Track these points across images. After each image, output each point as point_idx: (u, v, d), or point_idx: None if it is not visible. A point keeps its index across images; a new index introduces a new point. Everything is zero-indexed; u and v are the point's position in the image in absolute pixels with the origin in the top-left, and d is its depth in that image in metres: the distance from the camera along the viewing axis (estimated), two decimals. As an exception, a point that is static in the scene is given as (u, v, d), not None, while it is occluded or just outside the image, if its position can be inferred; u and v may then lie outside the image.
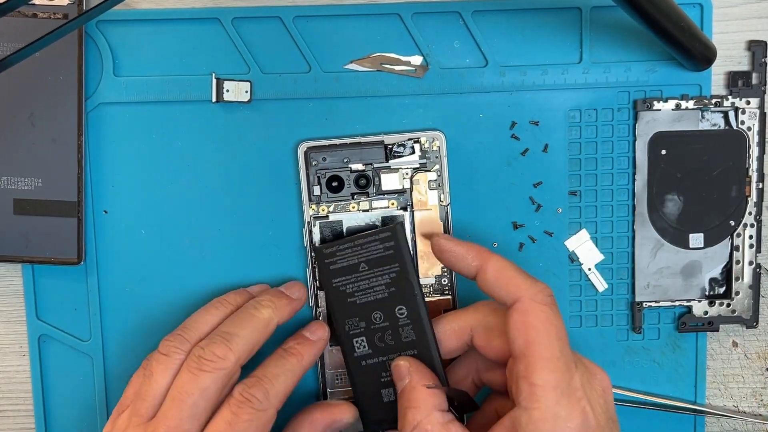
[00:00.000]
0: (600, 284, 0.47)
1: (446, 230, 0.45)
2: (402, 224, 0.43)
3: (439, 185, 0.45)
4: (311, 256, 0.45)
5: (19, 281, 0.46)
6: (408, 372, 0.41)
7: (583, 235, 0.46)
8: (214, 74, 0.44)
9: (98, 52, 0.44)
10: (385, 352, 0.42)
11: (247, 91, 0.45)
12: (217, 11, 0.44)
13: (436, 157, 0.45)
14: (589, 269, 0.46)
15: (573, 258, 0.46)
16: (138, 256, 0.46)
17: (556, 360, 0.37)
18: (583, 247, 0.46)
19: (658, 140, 0.46)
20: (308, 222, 0.45)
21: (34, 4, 0.43)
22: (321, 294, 0.45)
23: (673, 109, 0.46)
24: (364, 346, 0.43)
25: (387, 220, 0.45)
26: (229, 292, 0.44)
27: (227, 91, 0.44)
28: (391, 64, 0.45)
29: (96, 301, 0.46)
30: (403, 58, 0.45)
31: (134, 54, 0.45)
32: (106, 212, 0.45)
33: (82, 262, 0.45)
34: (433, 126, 0.45)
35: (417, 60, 0.45)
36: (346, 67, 0.45)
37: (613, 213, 0.46)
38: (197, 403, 0.39)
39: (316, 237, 0.45)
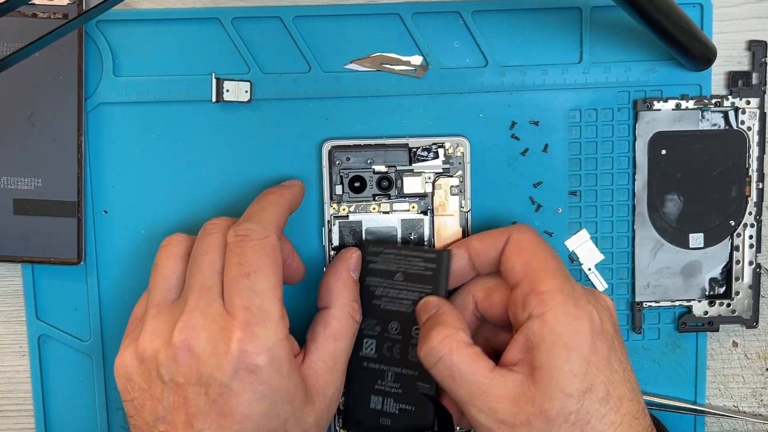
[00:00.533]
0: (600, 284, 0.47)
1: (465, 236, 0.44)
2: (451, 253, 0.43)
3: (460, 191, 0.45)
4: (329, 255, 0.45)
5: (19, 281, 0.46)
6: (438, 304, 0.41)
7: (583, 235, 0.46)
8: (214, 74, 0.44)
9: (98, 52, 0.44)
10: (389, 363, 0.43)
11: (247, 91, 0.45)
12: (217, 11, 0.44)
13: (460, 163, 0.45)
14: (589, 269, 0.46)
15: (573, 258, 0.46)
16: (138, 256, 0.46)
17: (556, 270, 0.38)
18: (583, 247, 0.46)
19: (658, 140, 0.46)
20: (328, 221, 0.45)
21: (34, 4, 0.43)
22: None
23: (673, 109, 0.46)
24: (372, 349, 0.43)
25: (407, 224, 0.45)
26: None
27: (227, 91, 0.44)
28: (391, 64, 0.45)
29: (96, 301, 0.46)
30: (403, 58, 0.45)
31: (134, 54, 0.45)
32: (105, 212, 0.45)
33: (81, 262, 0.45)
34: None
35: (417, 60, 0.45)
36: (346, 67, 0.45)
37: (613, 213, 0.46)
38: (215, 270, 0.39)
39: (335, 237, 0.45)
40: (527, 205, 0.46)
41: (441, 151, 0.45)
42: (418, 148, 0.45)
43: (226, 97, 0.44)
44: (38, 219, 0.44)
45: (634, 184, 0.46)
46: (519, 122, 0.46)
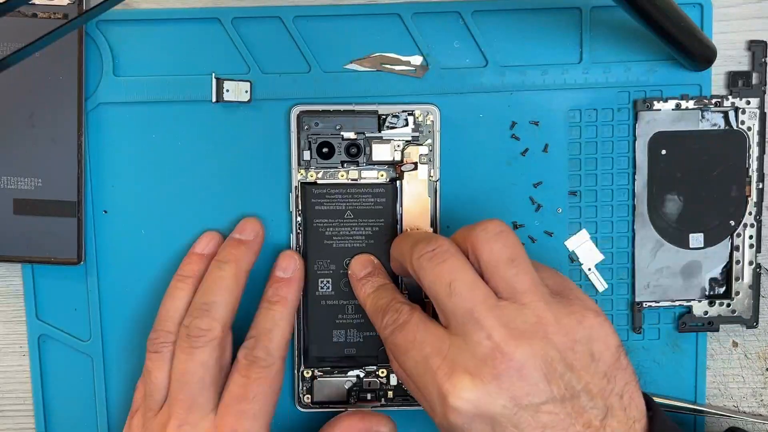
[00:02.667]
0: (600, 284, 0.47)
1: (434, 206, 0.45)
2: (397, 184, 0.44)
3: (430, 160, 0.45)
4: (296, 222, 0.45)
5: (19, 281, 0.46)
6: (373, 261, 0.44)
7: (583, 235, 0.46)
8: (214, 74, 0.44)
9: (98, 52, 0.44)
10: (348, 297, 0.45)
11: (247, 91, 0.45)
12: (217, 11, 0.44)
13: (429, 132, 0.45)
14: (589, 269, 0.46)
15: (573, 258, 0.46)
16: (138, 256, 0.46)
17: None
18: (583, 247, 0.46)
19: (658, 140, 0.46)
20: (296, 187, 0.44)
21: (34, 4, 0.43)
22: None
23: (673, 109, 0.46)
24: (328, 288, 0.45)
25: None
26: (182, 262, 0.44)
27: (227, 91, 0.44)
28: (391, 64, 0.45)
29: (96, 301, 0.46)
30: (403, 58, 0.45)
31: (134, 54, 0.45)
32: (105, 212, 0.45)
33: (81, 262, 0.45)
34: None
35: (417, 60, 0.45)
36: (346, 67, 0.45)
37: (613, 213, 0.46)
38: (202, 377, 0.41)
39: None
40: (527, 205, 0.46)
41: (411, 119, 0.44)
42: (387, 115, 0.44)
43: (226, 97, 0.44)
44: (38, 219, 0.44)
45: (634, 184, 0.46)
46: (519, 122, 0.46)
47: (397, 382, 0.46)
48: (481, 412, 0.35)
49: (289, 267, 0.44)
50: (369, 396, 0.46)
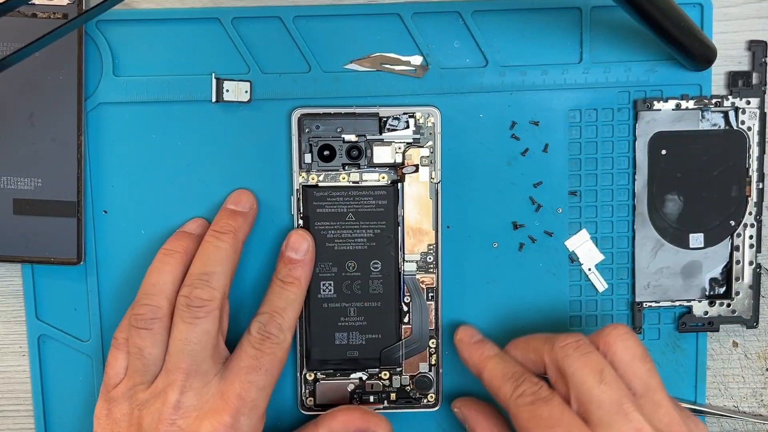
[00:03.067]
0: (600, 284, 0.47)
1: (435, 208, 0.45)
2: (398, 186, 0.44)
3: (431, 162, 0.45)
4: (298, 225, 0.45)
5: (19, 281, 0.46)
6: (465, 415, 0.45)
7: (583, 235, 0.46)
8: (214, 74, 0.44)
9: (98, 52, 0.44)
10: (350, 300, 0.45)
11: (247, 91, 0.45)
12: (217, 11, 0.44)
13: (430, 134, 0.45)
14: (589, 269, 0.46)
15: (573, 258, 0.46)
16: (138, 256, 0.46)
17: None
18: (583, 247, 0.46)
19: (658, 140, 0.46)
20: (297, 190, 0.44)
21: (34, 4, 0.43)
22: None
23: (673, 109, 0.46)
24: (330, 290, 0.45)
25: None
26: (168, 240, 0.44)
27: (227, 91, 0.44)
28: (391, 64, 0.45)
29: (96, 301, 0.46)
30: (403, 58, 0.45)
31: (134, 54, 0.45)
32: (105, 212, 0.45)
33: (81, 262, 0.45)
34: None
35: (417, 60, 0.45)
36: (346, 67, 0.45)
37: (613, 213, 0.46)
38: (206, 345, 0.41)
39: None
40: (527, 205, 0.46)
41: (411, 121, 0.44)
42: (388, 117, 0.44)
43: (226, 97, 0.44)
44: (38, 219, 0.44)
45: (634, 184, 0.46)
46: (519, 122, 0.46)
47: (400, 384, 0.46)
48: None
49: (302, 248, 0.44)
50: (372, 398, 0.46)
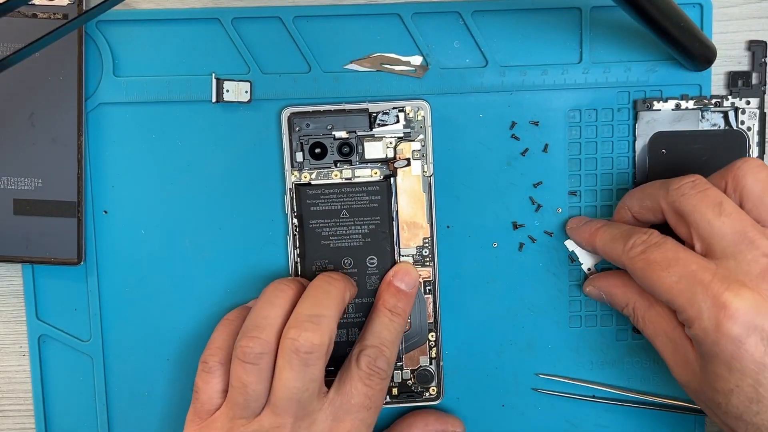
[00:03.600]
0: (600, 284, 0.47)
1: (429, 201, 0.45)
2: (391, 181, 0.44)
3: (422, 155, 0.45)
4: (293, 224, 0.45)
5: (19, 281, 0.46)
6: (599, 289, 0.44)
7: (583, 235, 0.46)
8: (214, 74, 0.44)
9: (98, 52, 0.45)
10: None
11: (247, 91, 0.45)
12: (217, 11, 0.44)
13: (421, 127, 0.45)
14: (589, 269, 0.46)
15: (573, 258, 0.46)
16: (138, 256, 0.46)
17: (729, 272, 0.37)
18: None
19: (658, 140, 0.46)
20: (289, 189, 0.44)
21: (34, 4, 0.43)
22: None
23: (673, 109, 0.46)
24: None
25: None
26: (278, 280, 0.43)
27: (227, 91, 0.44)
28: (391, 64, 0.45)
29: (96, 301, 0.46)
30: (403, 58, 0.45)
31: (134, 54, 0.45)
32: (106, 212, 0.45)
33: (82, 263, 0.45)
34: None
35: (417, 60, 0.45)
36: (346, 67, 0.45)
37: (614, 213, 0.46)
38: (313, 391, 0.40)
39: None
40: (527, 205, 0.46)
41: (401, 115, 0.44)
42: (378, 112, 0.44)
43: (226, 97, 0.44)
44: (38, 219, 0.44)
45: (634, 184, 0.46)
46: (519, 122, 0.46)
47: (402, 379, 0.46)
48: (759, 325, 0.35)
49: (411, 281, 0.44)
50: None
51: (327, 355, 0.40)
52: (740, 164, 0.39)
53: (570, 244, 0.46)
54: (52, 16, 0.43)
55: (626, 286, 0.42)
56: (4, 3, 0.35)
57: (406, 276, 0.44)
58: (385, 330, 0.42)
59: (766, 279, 0.36)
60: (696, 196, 0.38)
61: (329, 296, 0.41)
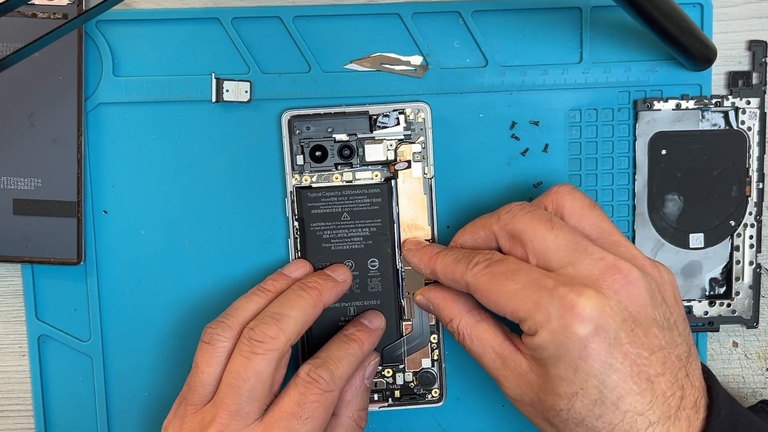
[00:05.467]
0: (600, 284, 0.47)
1: (430, 203, 0.45)
2: (392, 183, 0.44)
3: (423, 157, 0.45)
4: (294, 227, 0.45)
5: (19, 281, 0.46)
6: (428, 299, 0.43)
7: (583, 235, 0.46)
8: (214, 74, 0.44)
9: (98, 52, 0.44)
10: (349, 299, 0.45)
11: (247, 91, 0.45)
12: (217, 11, 0.44)
13: (421, 129, 0.45)
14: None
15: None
16: (138, 256, 0.46)
17: (539, 282, 0.38)
18: (583, 247, 0.46)
19: (658, 140, 0.46)
20: (291, 192, 0.44)
21: (33, 4, 0.43)
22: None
23: (673, 109, 0.46)
24: None
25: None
26: (267, 277, 0.44)
27: (227, 91, 0.44)
28: (391, 64, 0.45)
29: (96, 301, 0.46)
30: (403, 58, 0.45)
31: (134, 54, 0.45)
32: (105, 212, 0.45)
33: (81, 263, 0.45)
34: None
35: (417, 60, 0.45)
36: (346, 67, 0.45)
37: (614, 213, 0.46)
38: (254, 386, 0.39)
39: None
40: (527, 205, 0.46)
41: (402, 118, 0.44)
42: (378, 115, 0.44)
43: (226, 97, 0.44)
44: (38, 219, 0.44)
45: (634, 184, 0.46)
46: (519, 122, 0.46)
47: (404, 381, 0.46)
48: (603, 325, 0.36)
49: (375, 322, 0.44)
50: (375, 396, 0.46)
51: (279, 355, 0.40)
52: (557, 188, 0.41)
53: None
54: (51, 16, 0.43)
55: (454, 302, 0.42)
56: (4, 3, 0.35)
57: (374, 317, 0.44)
58: (336, 349, 0.42)
59: (607, 280, 0.37)
60: (527, 215, 0.39)
61: (298, 300, 0.41)
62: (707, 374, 0.40)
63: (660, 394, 0.36)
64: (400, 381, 0.46)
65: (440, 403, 0.46)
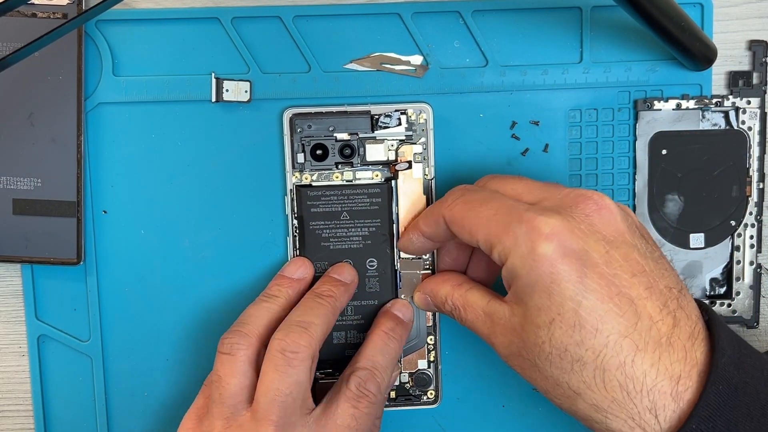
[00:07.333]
0: (600, 284, 0.46)
1: (429, 204, 0.45)
2: (392, 183, 0.44)
3: (424, 158, 0.45)
4: (293, 225, 0.45)
5: (19, 281, 0.46)
6: (423, 290, 0.44)
7: (584, 235, 0.46)
8: (213, 74, 0.44)
9: (98, 52, 0.44)
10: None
11: (246, 91, 0.45)
12: (216, 11, 0.44)
13: (423, 130, 0.45)
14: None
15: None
16: (137, 256, 0.46)
17: (491, 220, 0.38)
18: (584, 247, 0.46)
19: (658, 140, 0.46)
20: (290, 190, 0.44)
21: (33, 4, 0.43)
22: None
23: (673, 109, 0.46)
24: None
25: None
26: (270, 282, 0.44)
27: (227, 90, 0.44)
28: (391, 64, 0.45)
29: (95, 301, 0.46)
30: (403, 58, 0.45)
31: (134, 54, 0.45)
32: (105, 212, 0.45)
33: (81, 263, 0.45)
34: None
35: (417, 60, 0.45)
36: (346, 67, 0.45)
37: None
38: (296, 398, 0.39)
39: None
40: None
41: (404, 118, 0.44)
42: (380, 115, 0.44)
43: (226, 97, 0.44)
44: (38, 219, 0.44)
45: (634, 184, 0.46)
46: (519, 122, 0.46)
47: (400, 382, 0.46)
48: (572, 246, 0.35)
49: (408, 314, 0.45)
50: None
51: (313, 363, 0.40)
52: (488, 178, 0.42)
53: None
54: (51, 16, 0.43)
55: (444, 281, 0.42)
56: (4, 3, 0.35)
57: (404, 308, 0.45)
58: (378, 354, 0.42)
59: (579, 206, 0.37)
60: (482, 182, 0.41)
61: (318, 307, 0.41)
62: (709, 313, 0.38)
63: (646, 317, 0.35)
64: (395, 382, 0.46)
65: (436, 405, 0.46)
